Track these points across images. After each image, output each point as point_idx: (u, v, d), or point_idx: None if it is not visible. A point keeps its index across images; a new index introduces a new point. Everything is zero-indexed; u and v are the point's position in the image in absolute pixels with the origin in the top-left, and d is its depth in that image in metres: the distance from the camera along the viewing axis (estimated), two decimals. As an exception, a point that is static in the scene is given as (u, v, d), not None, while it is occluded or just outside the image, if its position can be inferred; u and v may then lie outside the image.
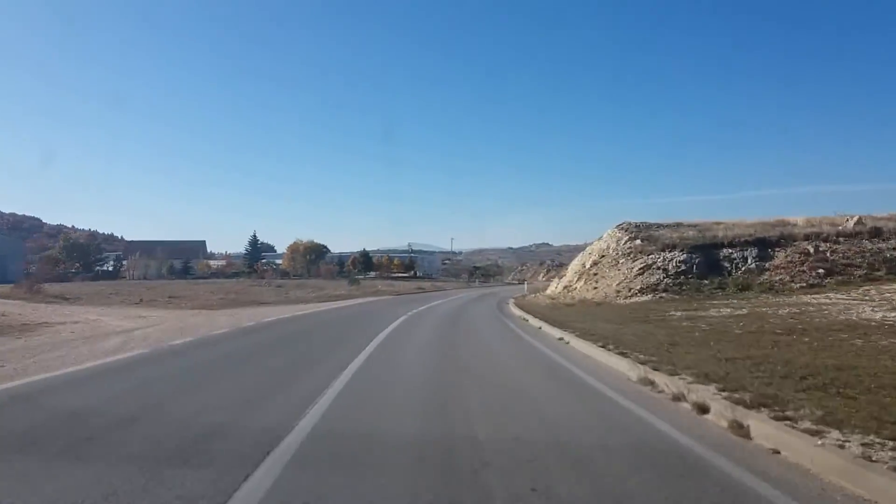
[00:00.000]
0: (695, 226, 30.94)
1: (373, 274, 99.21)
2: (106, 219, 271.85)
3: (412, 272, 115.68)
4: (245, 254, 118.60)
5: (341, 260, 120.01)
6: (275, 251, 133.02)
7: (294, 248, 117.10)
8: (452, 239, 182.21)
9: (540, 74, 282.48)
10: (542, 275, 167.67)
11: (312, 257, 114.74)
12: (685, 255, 27.06)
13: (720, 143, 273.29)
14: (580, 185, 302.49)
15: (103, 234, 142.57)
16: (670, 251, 27.77)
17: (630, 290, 26.31)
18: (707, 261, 26.99)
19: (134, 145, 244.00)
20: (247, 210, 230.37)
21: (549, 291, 35.95)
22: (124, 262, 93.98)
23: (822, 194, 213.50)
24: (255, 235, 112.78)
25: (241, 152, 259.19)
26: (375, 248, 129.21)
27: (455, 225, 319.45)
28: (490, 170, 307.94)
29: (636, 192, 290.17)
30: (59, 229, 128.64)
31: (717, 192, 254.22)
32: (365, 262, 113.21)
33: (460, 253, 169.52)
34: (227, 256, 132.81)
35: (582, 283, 29.96)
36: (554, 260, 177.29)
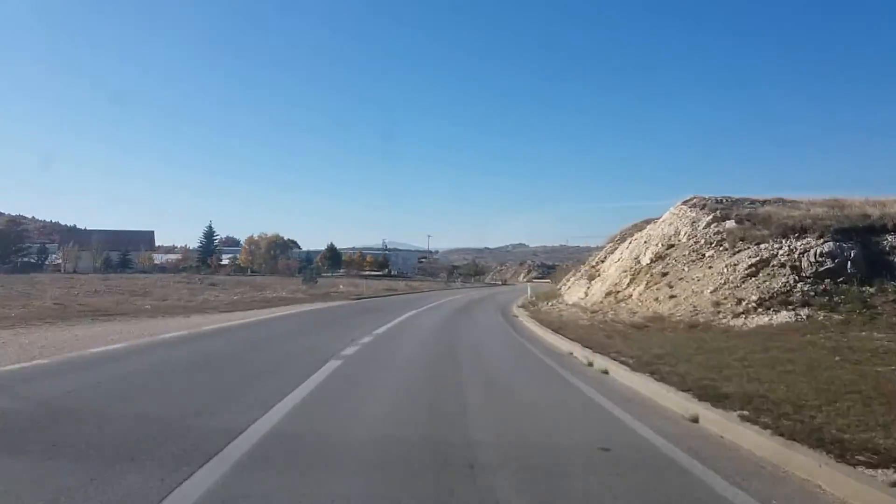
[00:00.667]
0: (812, 204, 19.86)
1: (341, 271, 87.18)
2: (48, 204, 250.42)
3: (387, 270, 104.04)
4: (199, 247, 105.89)
5: (309, 257, 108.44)
6: (241, 246, 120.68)
7: (252, 242, 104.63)
8: (430, 237, 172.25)
9: (526, 74, 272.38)
10: (522, 275, 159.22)
11: (275, 252, 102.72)
12: (830, 245, 15.98)
13: (704, 143, 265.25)
14: (557, 188, 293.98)
15: (45, 221, 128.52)
16: (799, 237, 16.71)
17: (741, 303, 15.12)
18: (866, 254, 16.00)
19: (102, 128, 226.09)
20: (217, 203, 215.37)
21: (573, 298, 24.71)
22: (53, 254, 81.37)
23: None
24: (210, 227, 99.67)
25: (214, 141, 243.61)
26: (350, 246, 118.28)
27: (432, 224, 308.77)
28: (468, 171, 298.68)
29: (614, 194, 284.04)
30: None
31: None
32: (332, 258, 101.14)
33: (437, 252, 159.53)
34: (183, 250, 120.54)
35: (641, 287, 18.70)
36: (533, 260, 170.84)
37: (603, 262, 25.89)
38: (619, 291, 19.91)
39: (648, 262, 19.99)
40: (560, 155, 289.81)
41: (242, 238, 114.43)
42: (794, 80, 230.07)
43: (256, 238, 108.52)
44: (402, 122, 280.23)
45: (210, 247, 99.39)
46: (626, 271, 20.85)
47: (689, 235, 19.58)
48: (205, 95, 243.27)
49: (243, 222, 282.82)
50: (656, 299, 17.40)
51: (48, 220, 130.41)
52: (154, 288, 35.23)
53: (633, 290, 19.15)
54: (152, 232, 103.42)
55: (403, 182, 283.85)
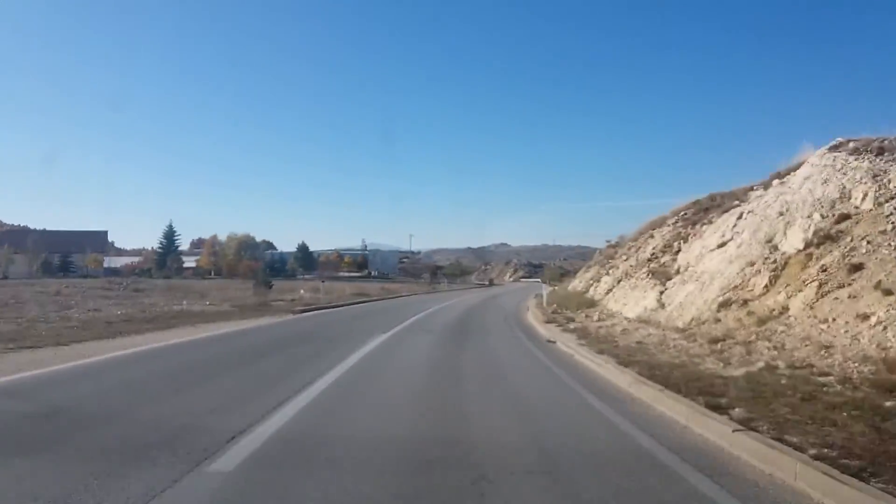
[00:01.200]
0: None
1: (315, 273, 77.61)
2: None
3: (366, 271, 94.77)
4: (159, 248, 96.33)
5: (283, 258, 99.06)
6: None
7: (216, 243, 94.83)
8: (412, 236, 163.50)
9: (511, 73, 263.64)
10: (508, 275, 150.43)
11: (245, 254, 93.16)
12: None
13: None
14: (540, 188, 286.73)
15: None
16: None
17: None
18: None
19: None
20: (192, 204, 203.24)
21: (634, 309, 15.82)
22: (-16, 257, 71.37)
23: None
24: (170, 227, 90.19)
25: (187, 141, 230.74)
26: (333, 247, 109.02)
27: (414, 225, 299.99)
28: (453, 171, 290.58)
29: (598, 195, 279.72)
30: None
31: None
32: (304, 258, 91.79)
33: (419, 252, 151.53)
34: (146, 252, 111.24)
35: (807, 291, 9.76)
36: (518, 259, 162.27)
37: (677, 253, 16.87)
38: (749, 300, 10.94)
39: (802, 246, 11.06)
40: (544, 155, 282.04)
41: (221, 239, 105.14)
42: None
43: (223, 238, 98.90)
44: (392, 123, 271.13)
45: (170, 248, 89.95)
46: (751, 264, 11.88)
47: (875, 197, 10.72)
48: (186, 97, 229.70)
49: (223, 224, 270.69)
50: (862, 316, 8.52)
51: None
52: (45, 297, 25.87)
53: (785, 297, 10.19)
54: (105, 232, 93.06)
55: (386, 182, 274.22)
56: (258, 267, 69.55)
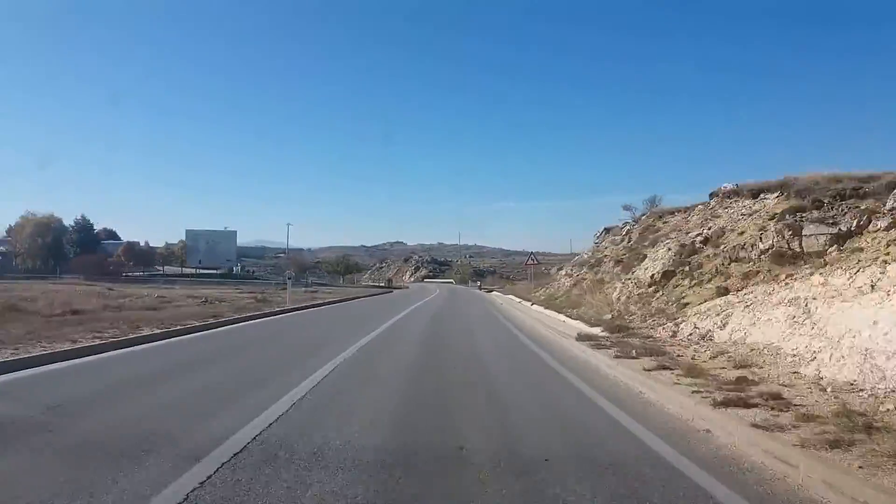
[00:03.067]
0: None
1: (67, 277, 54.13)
2: None
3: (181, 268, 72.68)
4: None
5: (105, 249, 74.90)
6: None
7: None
8: (288, 224, 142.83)
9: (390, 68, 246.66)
10: (409, 274, 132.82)
11: (45, 240, 68.88)
12: None
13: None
14: (432, 186, 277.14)
15: None
16: None
17: None
18: None
19: None
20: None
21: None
22: None
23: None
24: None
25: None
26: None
27: (303, 223, 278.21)
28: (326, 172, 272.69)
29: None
30: None
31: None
32: (83, 243, 68.96)
33: (309, 249, 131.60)
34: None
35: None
36: (421, 256, 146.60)
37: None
38: None
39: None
40: (432, 155, 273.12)
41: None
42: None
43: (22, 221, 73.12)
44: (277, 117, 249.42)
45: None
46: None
47: None
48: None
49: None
50: None
51: None
52: None
53: None
54: None
55: (271, 177, 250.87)
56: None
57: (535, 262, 38.21)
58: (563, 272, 29.16)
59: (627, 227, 24.59)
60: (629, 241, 22.38)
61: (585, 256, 26.52)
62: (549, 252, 76.04)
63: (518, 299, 27.29)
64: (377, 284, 75.12)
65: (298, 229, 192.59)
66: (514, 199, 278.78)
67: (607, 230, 27.94)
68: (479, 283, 68.96)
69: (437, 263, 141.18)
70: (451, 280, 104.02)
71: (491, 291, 50.94)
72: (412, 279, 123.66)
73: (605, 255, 23.14)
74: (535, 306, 22.14)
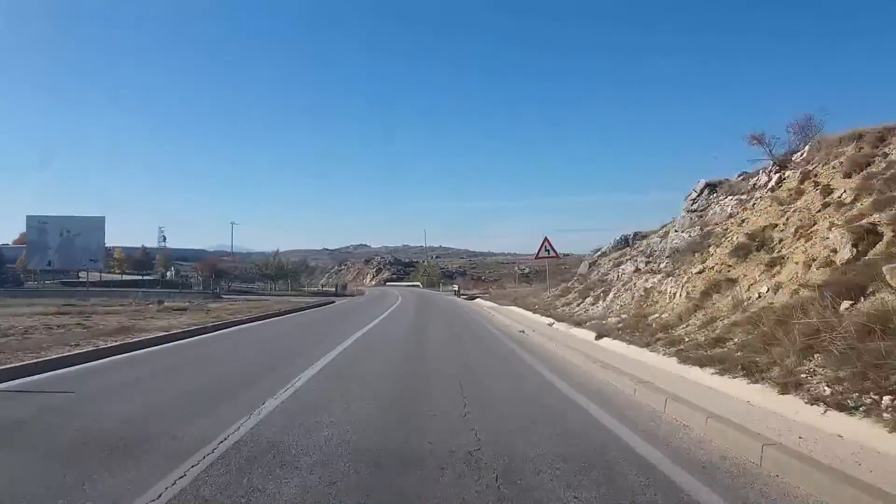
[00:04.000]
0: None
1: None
2: None
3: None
4: None
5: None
6: None
7: None
8: (233, 223, 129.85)
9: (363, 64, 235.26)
10: (370, 277, 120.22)
11: None
12: None
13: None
14: (399, 189, 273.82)
15: None
16: None
17: None
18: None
19: None
20: None
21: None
22: None
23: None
24: None
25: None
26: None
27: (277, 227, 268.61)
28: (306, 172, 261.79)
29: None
30: None
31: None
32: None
33: (277, 252, 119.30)
34: None
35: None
36: (384, 258, 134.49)
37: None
38: None
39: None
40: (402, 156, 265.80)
41: None
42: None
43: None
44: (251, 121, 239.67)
45: None
46: None
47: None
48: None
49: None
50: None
51: None
52: None
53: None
54: None
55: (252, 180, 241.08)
56: None
57: (555, 254, 23.98)
58: (623, 267, 16.96)
59: (776, 173, 12.65)
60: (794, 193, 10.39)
61: (684, 236, 14.26)
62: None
63: (548, 320, 15.22)
64: (327, 290, 61.43)
65: (260, 233, 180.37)
66: (484, 198, 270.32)
67: (711, 186, 15.83)
68: (455, 288, 53.73)
69: (401, 265, 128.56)
70: (418, 283, 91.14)
71: (474, 298, 37.98)
72: (373, 283, 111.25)
73: (745, 222, 11.20)
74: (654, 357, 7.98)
